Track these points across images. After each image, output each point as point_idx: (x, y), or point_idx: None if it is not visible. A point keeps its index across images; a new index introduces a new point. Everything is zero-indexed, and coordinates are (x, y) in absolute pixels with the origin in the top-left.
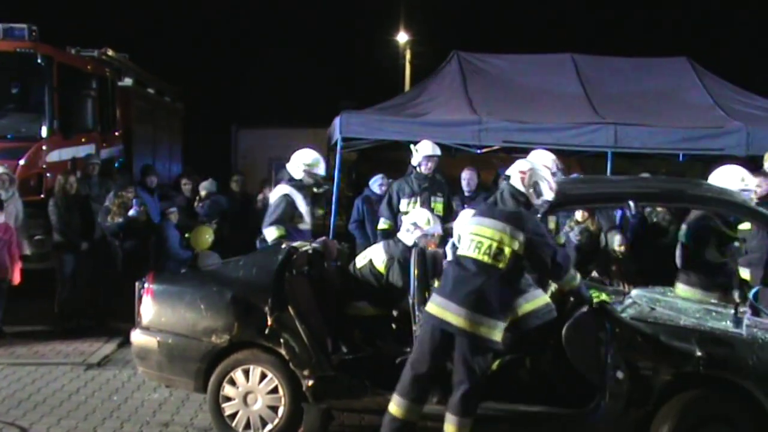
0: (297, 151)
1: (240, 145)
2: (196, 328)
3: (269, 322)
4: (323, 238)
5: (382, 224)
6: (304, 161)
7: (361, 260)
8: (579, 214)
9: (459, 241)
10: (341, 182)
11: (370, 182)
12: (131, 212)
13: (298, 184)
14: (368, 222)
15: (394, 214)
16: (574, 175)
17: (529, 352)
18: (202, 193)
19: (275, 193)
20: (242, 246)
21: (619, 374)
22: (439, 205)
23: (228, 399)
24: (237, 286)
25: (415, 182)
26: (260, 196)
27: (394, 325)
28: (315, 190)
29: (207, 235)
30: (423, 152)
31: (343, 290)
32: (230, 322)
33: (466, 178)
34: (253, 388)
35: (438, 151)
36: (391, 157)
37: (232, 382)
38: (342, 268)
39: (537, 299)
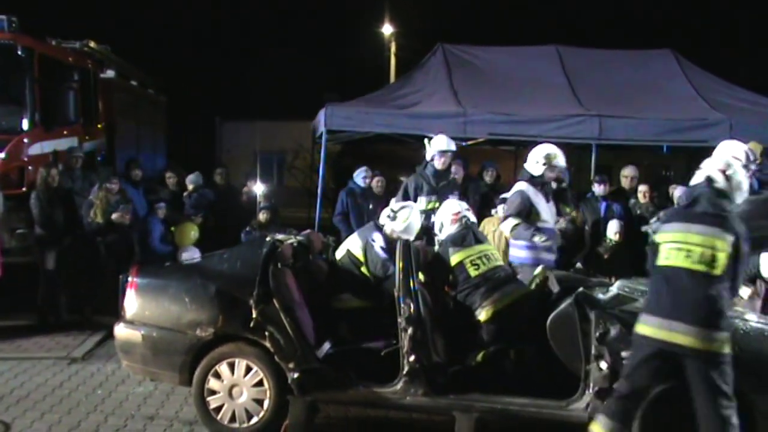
0: (536, 147)
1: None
2: (180, 322)
3: (254, 315)
4: (308, 230)
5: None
6: (541, 154)
7: (340, 252)
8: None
9: (441, 230)
10: (325, 175)
11: (354, 174)
12: (114, 216)
13: (535, 181)
14: (353, 215)
15: None
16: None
17: (513, 344)
18: (190, 186)
19: (512, 190)
20: (227, 239)
21: (603, 365)
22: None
23: (213, 392)
24: (221, 279)
25: (432, 179)
26: (245, 189)
27: (379, 318)
28: (555, 186)
29: (192, 232)
30: (437, 147)
31: (328, 283)
32: (215, 315)
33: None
34: (239, 381)
35: (453, 146)
36: (376, 150)
37: (217, 376)
38: (327, 261)
39: (518, 290)
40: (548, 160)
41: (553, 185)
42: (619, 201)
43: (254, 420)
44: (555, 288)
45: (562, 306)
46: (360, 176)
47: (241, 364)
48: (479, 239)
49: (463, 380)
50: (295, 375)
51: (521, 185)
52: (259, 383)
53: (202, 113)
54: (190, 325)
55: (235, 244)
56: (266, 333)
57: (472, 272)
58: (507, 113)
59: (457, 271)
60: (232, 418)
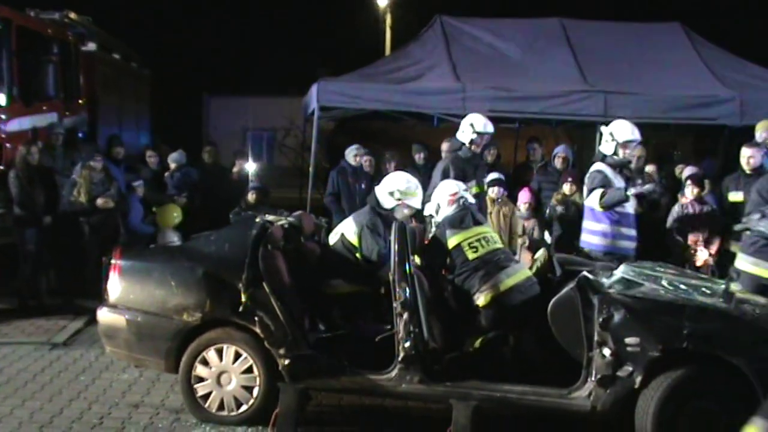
0: (611, 124)
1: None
2: (166, 306)
3: (243, 299)
4: (299, 211)
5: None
6: (616, 134)
7: (333, 237)
8: (567, 187)
9: (438, 212)
10: (318, 154)
11: (346, 153)
12: (99, 202)
13: (613, 162)
14: (344, 195)
15: None
16: (562, 147)
17: (513, 330)
18: (172, 165)
19: (591, 169)
20: (214, 220)
21: (606, 351)
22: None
23: (201, 379)
24: (209, 261)
25: (468, 162)
26: (235, 169)
27: (373, 303)
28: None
29: (174, 214)
30: (477, 128)
31: (321, 266)
32: (202, 300)
33: (446, 149)
34: (227, 368)
35: (491, 128)
36: (370, 127)
37: (205, 362)
38: (319, 244)
39: (518, 273)
40: (620, 137)
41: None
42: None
43: (243, 408)
44: (557, 272)
45: (564, 290)
46: (351, 154)
47: (229, 350)
48: (478, 221)
49: (461, 367)
50: (286, 361)
51: (598, 165)
52: (249, 370)
53: (188, 88)
54: (177, 309)
55: (224, 226)
56: (256, 318)
57: (471, 255)
58: (508, 89)
59: (454, 254)
60: (221, 406)
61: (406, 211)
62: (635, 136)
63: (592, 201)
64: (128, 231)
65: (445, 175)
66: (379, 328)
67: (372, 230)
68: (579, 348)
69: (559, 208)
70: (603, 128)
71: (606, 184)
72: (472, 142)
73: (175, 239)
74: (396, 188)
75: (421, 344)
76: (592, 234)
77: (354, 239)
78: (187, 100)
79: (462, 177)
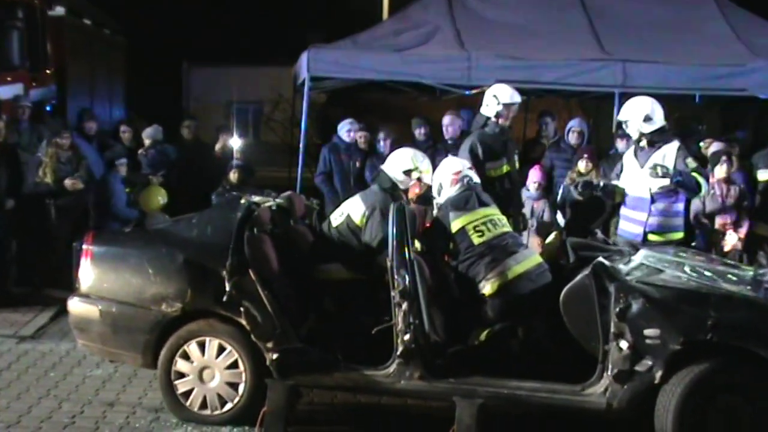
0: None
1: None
2: (143, 295)
3: (227, 288)
4: (289, 192)
5: None
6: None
7: (337, 217)
8: (582, 165)
9: (440, 193)
10: (308, 129)
11: (339, 128)
12: (67, 183)
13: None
14: (336, 174)
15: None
16: (576, 121)
17: (522, 321)
18: (146, 141)
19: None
20: (195, 202)
21: (623, 344)
22: (517, 163)
23: (181, 375)
24: (190, 247)
25: (497, 138)
26: (218, 146)
27: (370, 291)
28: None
29: (159, 197)
30: (502, 99)
31: (313, 251)
32: (183, 288)
33: (446, 123)
34: (210, 363)
35: (518, 97)
36: (367, 100)
37: (186, 357)
38: (310, 227)
39: (528, 260)
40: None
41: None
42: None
43: (228, 406)
44: (570, 257)
45: (578, 277)
46: (344, 129)
47: (212, 344)
48: (484, 202)
49: (465, 362)
50: (274, 356)
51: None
52: (234, 365)
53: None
54: (155, 299)
55: (206, 207)
56: (241, 308)
57: (476, 239)
58: (518, 57)
59: (458, 239)
60: (203, 404)
61: (417, 190)
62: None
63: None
64: (109, 215)
65: (472, 155)
66: (376, 320)
67: (385, 215)
68: (594, 340)
69: (574, 188)
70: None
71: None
72: (498, 115)
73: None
74: (414, 165)
75: (422, 337)
76: (631, 222)
77: (360, 221)
78: (166, 69)
79: (490, 155)
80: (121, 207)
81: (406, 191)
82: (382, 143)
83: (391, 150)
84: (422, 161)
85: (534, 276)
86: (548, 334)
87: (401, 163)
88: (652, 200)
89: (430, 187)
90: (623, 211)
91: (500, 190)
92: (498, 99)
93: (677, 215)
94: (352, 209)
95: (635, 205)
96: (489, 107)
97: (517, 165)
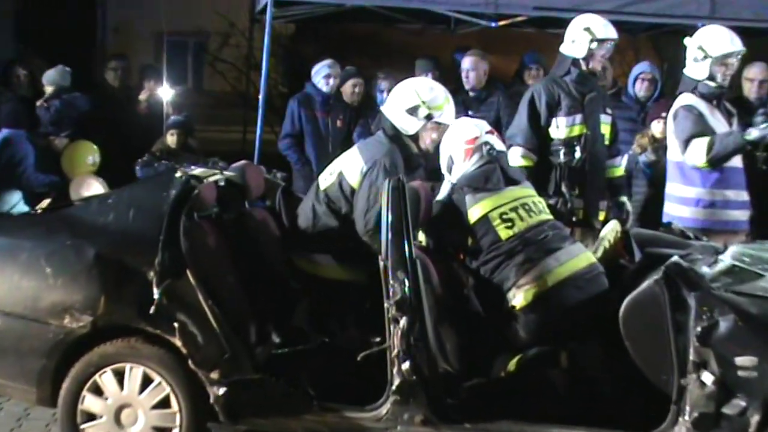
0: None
1: (108, 12)
2: (38, 305)
3: (156, 296)
4: (243, 162)
5: (520, 158)
6: (712, 47)
7: (327, 178)
8: (658, 127)
9: (450, 169)
10: (271, 73)
11: (313, 73)
12: None
13: (708, 92)
14: (309, 137)
15: (539, 140)
16: (645, 65)
17: (566, 344)
18: (48, 89)
19: (675, 105)
20: (113, 174)
21: (707, 377)
22: (606, 126)
23: (91, 417)
24: (104, 237)
25: (574, 88)
26: (143, 95)
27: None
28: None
29: (89, 155)
30: (598, 34)
31: (275, 243)
32: (93, 296)
33: (467, 68)
34: (132, 400)
35: (614, 32)
36: (350, 33)
37: (98, 391)
38: (273, 211)
39: (575, 259)
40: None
41: None
42: (740, 115)
43: None
44: (635, 256)
45: (645, 284)
46: (321, 75)
47: (135, 373)
48: (513, 179)
49: (487, 400)
50: (222, 390)
51: (686, 98)
52: (164, 403)
53: None
54: (54, 310)
55: (126, 183)
56: (175, 324)
57: (503, 232)
58: None
59: (478, 231)
60: None
61: (435, 135)
62: (736, 46)
63: (686, 155)
64: (19, 184)
65: (530, 108)
66: (363, 340)
67: (388, 173)
68: (666, 372)
69: (645, 158)
70: (688, 40)
71: (704, 127)
72: (590, 54)
73: (101, 190)
74: (419, 99)
75: (427, 366)
76: (679, 203)
77: (356, 180)
78: None
79: (555, 109)
80: (32, 174)
81: (416, 139)
82: (384, 95)
83: None
84: (431, 92)
85: (583, 282)
86: (602, 363)
87: (401, 99)
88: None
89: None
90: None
91: (566, 160)
92: (593, 33)
93: None
94: (349, 165)
95: (737, 182)
96: (577, 44)
97: (604, 131)
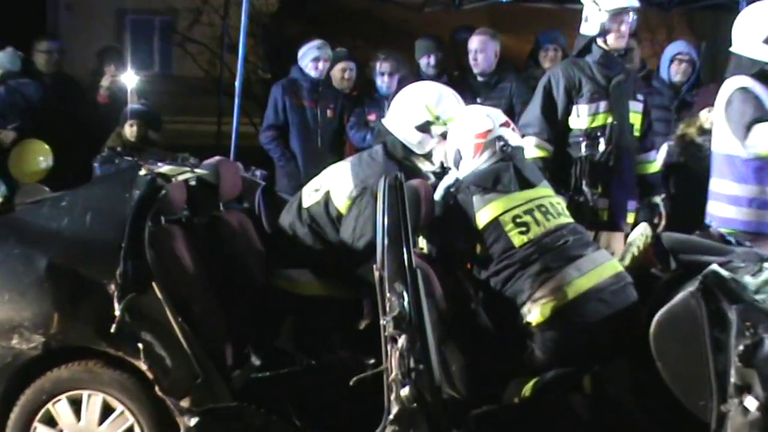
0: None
1: None
2: None
3: (117, 312)
4: (217, 158)
5: (534, 149)
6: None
7: (311, 193)
8: (705, 115)
9: (458, 163)
10: (250, 56)
11: (299, 55)
12: None
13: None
14: (295, 129)
15: (557, 131)
16: (681, 43)
17: (589, 365)
18: None
19: (727, 88)
20: (67, 171)
21: (750, 403)
22: (636, 114)
23: None
24: (57, 245)
25: (598, 71)
26: (104, 82)
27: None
28: None
29: (40, 157)
30: (604, 5)
31: (254, 251)
32: (46, 313)
33: (475, 49)
34: (89, 431)
35: (624, 1)
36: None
37: (51, 422)
38: (252, 213)
39: (599, 269)
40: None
41: None
42: None
43: None
44: (670, 264)
45: (679, 296)
46: (309, 58)
47: (93, 401)
48: (527, 180)
49: (498, 430)
50: (193, 420)
51: (740, 81)
52: None
53: None
54: (1, 329)
55: (83, 181)
56: (139, 345)
57: (517, 238)
58: None
59: (488, 237)
60: None
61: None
62: None
63: (749, 141)
64: None
65: (544, 94)
66: (355, 362)
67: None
68: (703, 396)
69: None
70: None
71: (764, 113)
72: (603, 32)
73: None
74: (432, 114)
75: (429, 391)
76: (731, 202)
77: (344, 204)
78: None
79: (576, 94)
80: None
81: (430, 156)
82: (383, 80)
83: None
84: (441, 103)
85: (608, 294)
86: (630, 387)
87: (410, 114)
88: None
89: None
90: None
91: (588, 153)
92: (598, 4)
93: None
94: (335, 184)
95: None
96: (589, 21)
97: (634, 120)
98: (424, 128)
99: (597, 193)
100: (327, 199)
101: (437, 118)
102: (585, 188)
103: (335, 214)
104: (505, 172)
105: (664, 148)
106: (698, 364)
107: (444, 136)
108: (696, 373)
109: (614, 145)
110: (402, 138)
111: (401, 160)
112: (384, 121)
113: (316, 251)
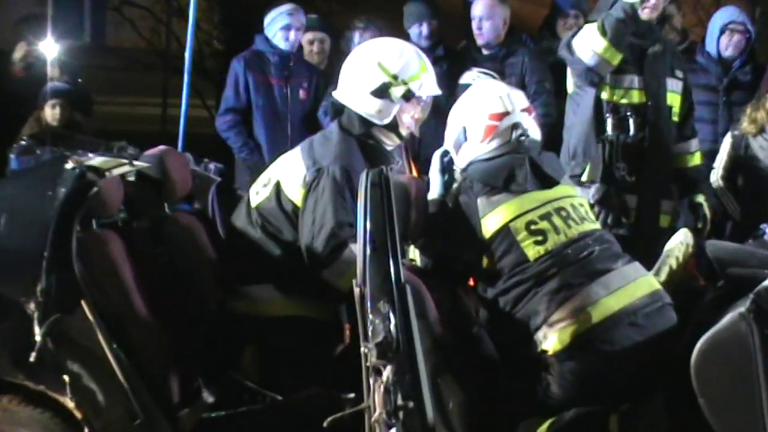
0: None
1: None
2: None
3: (39, 337)
4: (161, 148)
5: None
6: None
7: (260, 191)
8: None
9: (458, 151)
10: (201, 22)
11: (266, 23)
12: None
13: None
14: (260, 112)
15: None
16: (732, 10)
17: (617, 404)
18: None
19: None
20: None
21: None
22: (675, 95)
23: None
24: None
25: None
26: (18, 54)
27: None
28: None
29: None
30: None
31: (207, 261)
32: None
33: (481, 16)
34: None
35: None
36: None
37: None
38: (203, 216)
39: (630, 286)
40: None
41: None
42: None
43: None
44: (716, 279)
45: (727, 319)
46: (278, 25)
47: None
48: (548, 177)
49: None
50: None
51: None
52: None
53: None
54: None
55: None
56: (65, 376)
57: (531, 250)
58: None
59: (496, 247)
60: None
61: (418, 113)
62: None
63: None
64: None
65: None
66: (331, 399)
67: (339, 186)
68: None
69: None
70: None
71: None
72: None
73: None
74: (390, 74)
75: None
76: None
77: (298, 194)
78: None
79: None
80: None
81: (394, 127)
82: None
83: None
84: (399, 59)
85: (642, 317)
86: (667, 428)
87: (362, 78)
88: None
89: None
90: None
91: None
92: None
93: None
94: (285, 173)
95: None
96: None
97: (672, 102)
98: (382, 93)
99: (631, 180)
100: (278, 191)
101: (395, 78)
102: (616, 174)
103: (290, 208)
104: (520, 168)
105: (728, 140)
106: (749, 400)
107: (406, 97)
108: (745, 409)
109: (648, 129)
110: (355, 108)
111: (360, 137)
112: (334, 93)
113: (275, 259)
